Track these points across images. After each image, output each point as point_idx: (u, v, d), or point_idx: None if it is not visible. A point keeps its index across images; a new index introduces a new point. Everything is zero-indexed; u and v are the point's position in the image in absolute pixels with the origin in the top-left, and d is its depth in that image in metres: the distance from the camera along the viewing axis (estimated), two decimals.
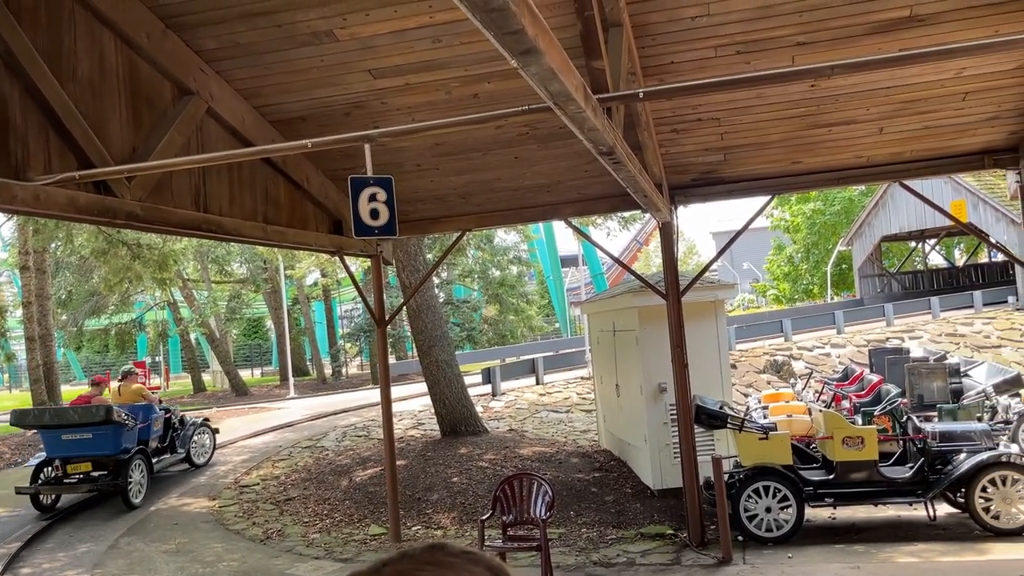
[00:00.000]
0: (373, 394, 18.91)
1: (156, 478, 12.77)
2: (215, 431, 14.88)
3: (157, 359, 37.17)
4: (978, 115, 7.62)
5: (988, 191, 25.01)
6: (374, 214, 4.54)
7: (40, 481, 11.58)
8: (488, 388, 18.37)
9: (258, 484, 12.58)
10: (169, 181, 6.23)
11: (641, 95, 4.71)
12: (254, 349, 45.08)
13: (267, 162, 7.56)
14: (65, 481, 11.63)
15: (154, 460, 12.60)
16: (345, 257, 9.80)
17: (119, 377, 13.66)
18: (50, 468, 11.69)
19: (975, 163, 8.32)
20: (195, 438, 14.01)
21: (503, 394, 18.09)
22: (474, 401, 14.99)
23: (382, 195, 4.57)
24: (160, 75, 6.05)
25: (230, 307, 32.75)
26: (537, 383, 19.20)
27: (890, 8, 6.05)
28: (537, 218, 10.15)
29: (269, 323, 38.66)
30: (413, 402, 18.31)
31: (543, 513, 7.75)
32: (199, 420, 14.58)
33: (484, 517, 7.97)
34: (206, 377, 33.46)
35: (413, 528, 10.09)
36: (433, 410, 14.26)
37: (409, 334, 20.08)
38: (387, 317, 9.47)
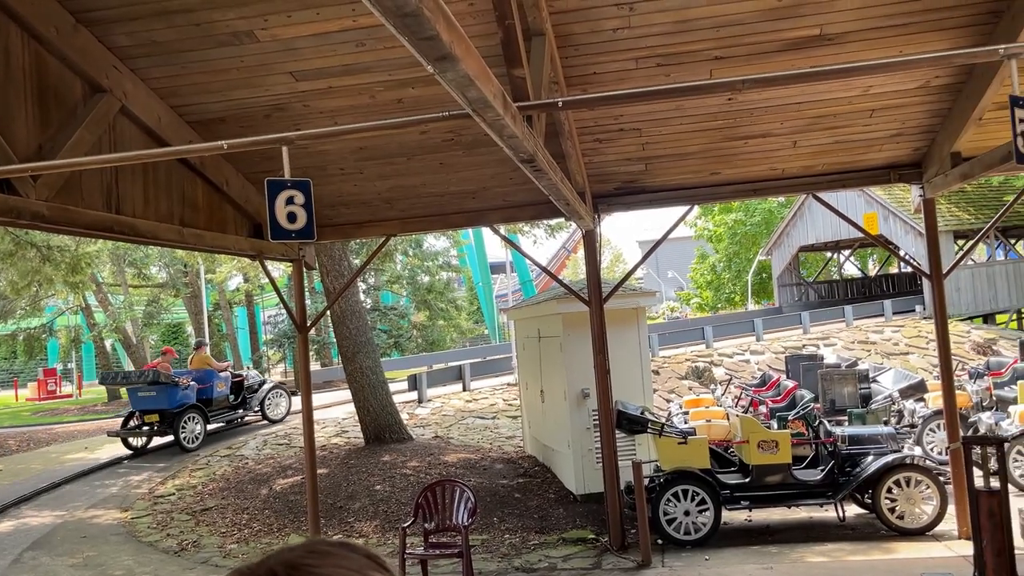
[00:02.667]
0: (296, 401, 18.57)
1: (228, 432, 16.32)
2: (292, 393, 17.58)
3: (69, 366, 35.72)
4: (884, 131, 7.96)
5: (898, 204, 26.08)
6: (291, 217, 4.48)
7: (125, 428, 15.39)
8: (414, 395, 18.26)
9: (173, 494, 12.21)
10: (79, 181, 6.02)
11: (560, 104, 4.77)
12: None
13: (184, 163, 7.37)
14: (143, 428, 15.19)
15: (225, 414, 16.27)
16: (267, 261, 9.61)
17: (193, 347, 17.57)
18: (132, 418, 15.38)
19: (882, 177, 8.68)
20: (269, 398, 17.17)
21: (429, 401, 18.01)
22: (399, 408, 14.88)
23: (300, 198, 4.51)
24: (70, 71, 5.84)
25: (148, 312, 31.70)
26: (464, 389, 19.17)
27: (802, 27, 6.29)
28: (463, 224, 10.15)
29: (190, 329, 37.58)
30: (338, 409, 18.05)
31: (465, 520, 7.75)
32: (275, 383, 18.11)
33: (405, 524, 7.92)
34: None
35: (334, 537, 9.94)
36: (357, 417, 14.10)
37: (335, 340, 19.81)
38: (309, 323, 9.33)
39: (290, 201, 4.51)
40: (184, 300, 31.22)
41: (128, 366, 34.55)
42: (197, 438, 15.18)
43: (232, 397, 16.72)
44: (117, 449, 15.49)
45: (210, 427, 15.80)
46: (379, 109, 6.98)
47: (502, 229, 23.16)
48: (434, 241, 30.68)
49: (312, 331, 28.46)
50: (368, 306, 27.04)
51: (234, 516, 10.94)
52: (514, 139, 4.30)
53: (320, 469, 11.67)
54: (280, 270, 22.59)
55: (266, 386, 17.41)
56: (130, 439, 15.39)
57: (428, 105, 6.67)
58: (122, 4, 5.74)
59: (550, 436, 11.55)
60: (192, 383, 15.71)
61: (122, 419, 15.87)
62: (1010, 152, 4.37)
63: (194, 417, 15.27)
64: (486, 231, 37.32)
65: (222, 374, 16.68)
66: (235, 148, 4.88)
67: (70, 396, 32.66)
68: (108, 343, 31.18)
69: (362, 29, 5.99)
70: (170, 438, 15.15)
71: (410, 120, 5.28)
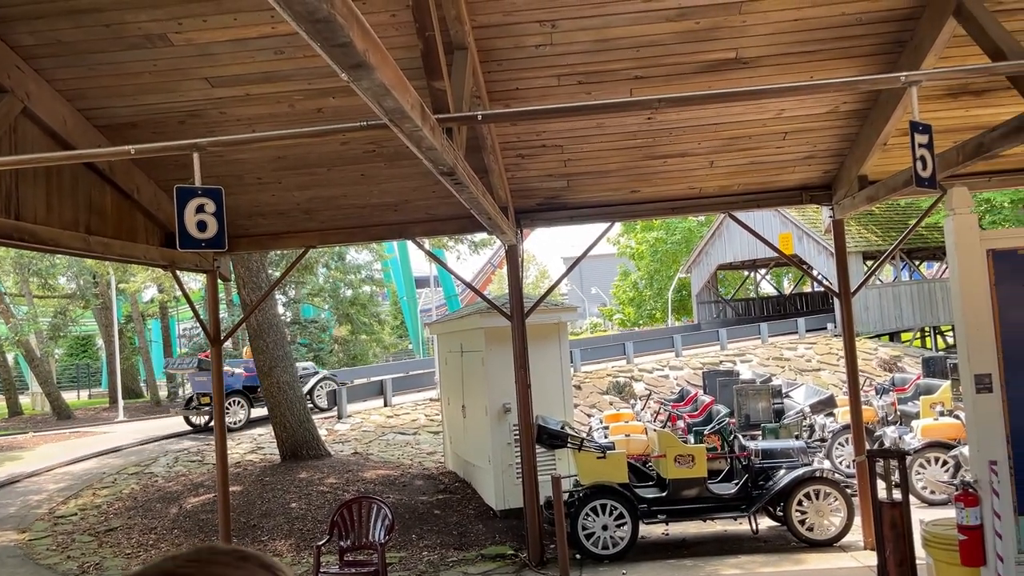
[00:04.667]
0: (343, 393, 18.25)
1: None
2: (342, 384, 19.41)
3: None
4: (796, 154, 8.23)
5: (811, 225, 27.02)
6: (201, 226, 4.34)
7: (188, 407, 18.09)
8: (334, 411, 17.93)
9: (76, 514, 11.66)
10: None
11: (480, 117, 4.76)
12: (82, 369, 41.93)
13: (92, 169, 7.09)
14: (202, 407, 17.57)
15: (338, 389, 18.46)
16: (182, 272, 9.31)
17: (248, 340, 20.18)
18: (194, 400, 18.02)
19: (794, 198, 8.96)
20: (317, 389, 19.24)
21: (349, 416, 17.71)
22: (318, 424, 14.59)
23: (211, 206, 4.37)
24: None
25: (54, 324, 30.33)
26: (385, 405, 18.92)
27: (718, 50, 6.45)
28: (385, 237, 10.05)
29: (100, 342, 36.11)
30: (254, 425, 17.59)
31: (382, 537, 7.61)
32: (324, 375, 20.28)
33: (321, 543, 7.73)
34: (24, 399, 30.77)
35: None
36: (273, 433, 13.76)
37: None
38: (223, 335, 9.06)
39: (200, 209, 4.37)
40: (94, 312, 30.03)
41: (31, 381, 32.94)
42: (239, 421, 17.43)
43: None
44: (13, 467, 14.74)
45: (255, 412, 17.94)
46: (298, 118, 6.86)
47: (426, 243, 23.07)
48: (357, 254, 30.33)
49: (229, 345, 27.63)
50: (288, 319, 26.50)
51: (140, 536, 10.50)
52: (433, 151, 4.27)
53: (233, 486, 11.33)
54: (200, 281, 21.94)
55: (315, 378, 19.78)
56: (192, 417, 17.97)
57: (349, 115, 6.58)
58: (25, 2, 5.50)
59: (471, 451, 11.49)
60: (237, 371, 18.24)
61: (184, 401, 19.03)
62: (911, 176, 4.56)
63: (238, 401, 17.71)
64: (411, 245, 37.09)
65: None
66: (143, 154, 4.71)
67: None
68: (10, 356, 29.70)
69: (281, 36, 5.88)
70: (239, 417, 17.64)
71: (327, 129, 5.20)
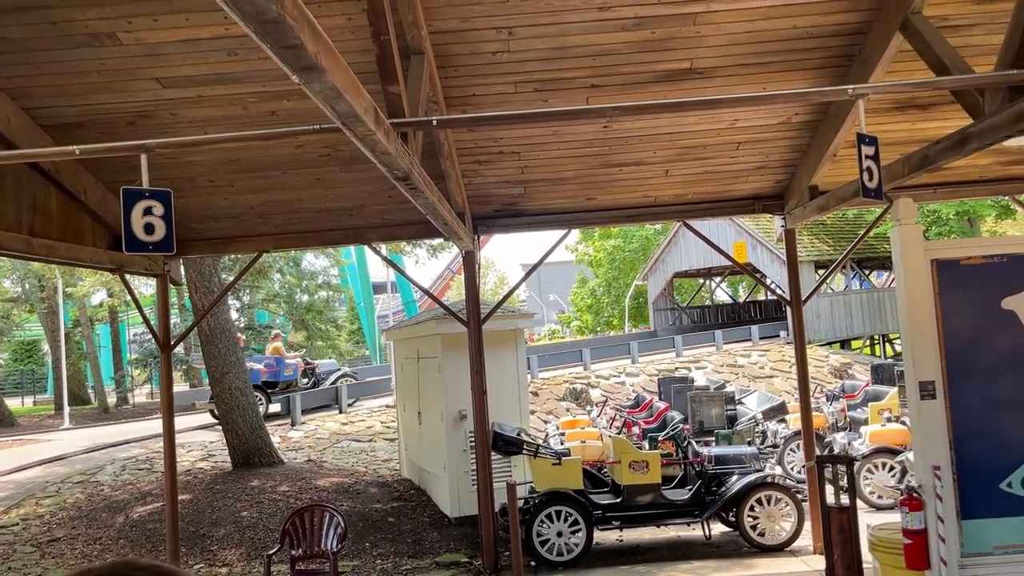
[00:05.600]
0: (161, 424, 17.74)
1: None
2: (358, 380, 21.26)
3: None
4: (750, 163, 8.35)
5: (765, 235, 27.46)
6: (149, 228, 4.24)
7: (211, 400, 17.15)
8: (287, 418, 17.71)
9: (17, 524, 11.32)
10: None
11: (435, 122, 4.75)
12: (26, 375, 40.80)
13: (37, 170, 6.91)
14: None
15: (292, 395, 18.59)
16: (132, 276, 9.12)
17: (270, 338, 21.38)
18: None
19: (747, 207, 9.09)
20: (338, 386, 19.84)
21: (303, 423, 17.49)
22: (271, 431, 14.39)
23: (159, 209, 4.28)
24: None
25: None
26: (340, 412, 18.74)
27: (673, 60, 6.53)
28: (340, 241, 9.95)
29: (46, 347, 35.17)
30: (206, 432, 17.28)
31: (334, 545, 7.52)
32: (343, 372, 21.52)
33: (271, 552, 7.62)
34: None
35: (195, 566, 9.45)
36: (225, 440, 13.52)
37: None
38: (173, 341, 8.89)
39: (148, 212, 4.28)
40: (40, 316, 29.28)
41: None
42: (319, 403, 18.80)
43: (304, 382, 20.20)
44: None
45: (273, 407, 18.69)
46: (252, 121, 6.77)
47: (383, 248, 22.95)
48: (314, 260, 30.04)
49: (181, 351, 27.15)
50: (242, 325, 26.11)
51: (85, 547, 10.23)
52: (388, 156, 4.24)
53: (183, 495, 11.11)
54: (151, 286, 21.53)
55: (335, 375, 20.82)
56: (216, 410, 17.73)
57: (304, 118, 6.51)
58: None
59: (427, 458, 11.42)
60: (257, 367, 19.10)
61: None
62: (859, 187, 4.65)
63: (257, 398, 17.87)
64: (368, 250, 36.76)
65: (290, 362, 20.12)
66: (89, 154, 4.60)
67: None
68: None
69: (235, 38, 5.80)
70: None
71: (281, 132, 5.14)
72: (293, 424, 17.30)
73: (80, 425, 23.66)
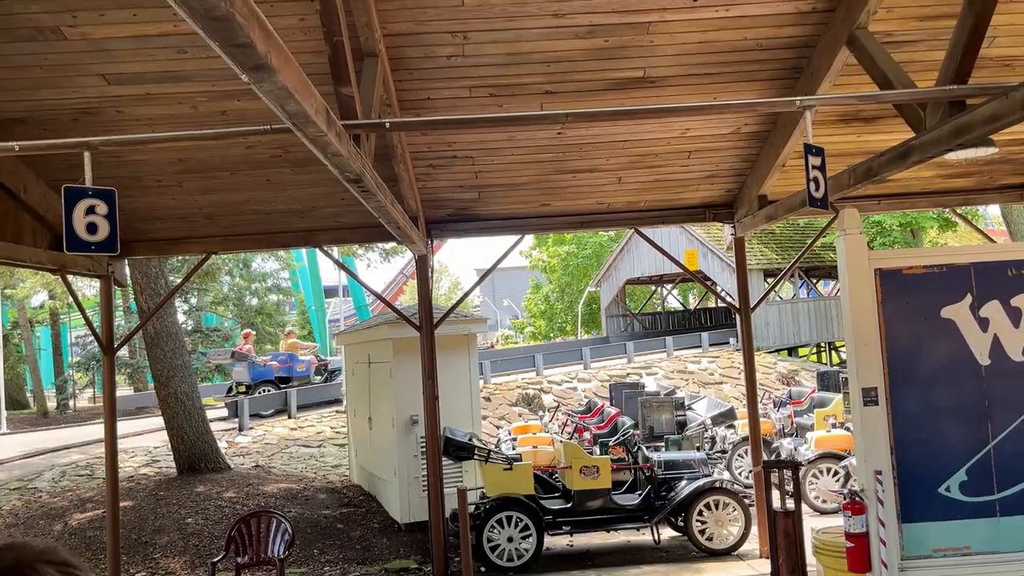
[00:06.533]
0: (103, 429, 17.25)
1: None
2: None
3: None
4: (700, 172, 8.46)
5: (715, 243, 27.86)
6: (92, 228, 4.14)
7: (229, 394, 19.67)
8: (235, 422, 17.40)
9: None
10: None
11: (388, 125, 4.72)
12: None
13: None
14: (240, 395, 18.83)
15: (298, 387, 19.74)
16: (75, 277, 8.88)
17: (284, 334, 22.99)
18: (232, 389, 19.78)
19: (698, 215, 9.21)
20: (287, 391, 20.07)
21: (251, 428, 17.20)
22: (218, 436, 14.12)
23: (103, 208, 4.18)
24: None
25: None
26: (289, 417, 18.48)
27: (627, 68, 6.59)
28: (291, 244, 9.84)
29: None
30: (151, 437, 16.86)
31: (281, 552, 7.41)
32: None
33: (216, 559, 7.47)
34: None
35: (138, 575, 9.22)
36: (170, 446, 13.24)
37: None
38: (117, 344, 8.68)
39: (91, 211, 4.17)
40: None
41: None
42: (270, 409, 18.65)
43: (317, 379, 20.81)
44: None
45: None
46: (201, 120, 6.65)
47: (335, 251, 22.74)
48: (264, 262, 29.62)
49: (126, 354, 26.49)
50: (189, 328, 25.63)
51: None
52: (339, 157, 4.20)
53: (125, 501, 10.84)
54: (95, 287, 20.99)
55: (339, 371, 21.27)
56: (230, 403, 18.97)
57: (254, 119, 6.40)
58: None
59: (377, 464, 11.32)
60: (272, 362, 20.18)
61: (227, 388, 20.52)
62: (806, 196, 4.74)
63: (268, 390, 19.35)
64: (320, 253, 36.28)
65: (303, 358, 20.79)
66: (30, 151, 4.48)
67: None
68: None
69: (184, 35, 5.69)
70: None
71: (231, 132, 5.06)
72: (241, 429, 17.01)
73: (18, 430, 22.93)
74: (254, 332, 23.38)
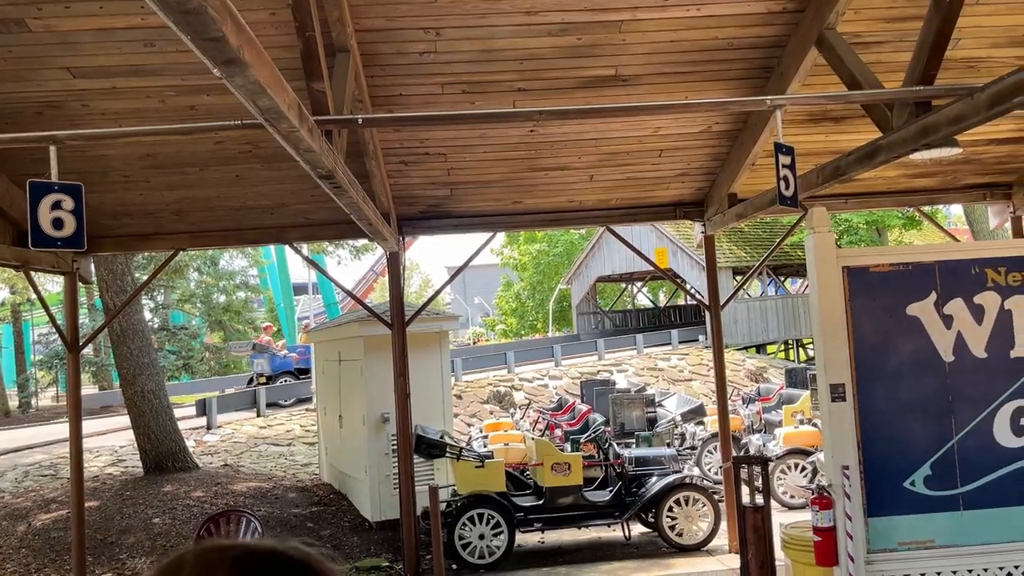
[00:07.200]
0: (67, 428, 16.92)
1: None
2: None
3: None
4: (671, 170, 8.52)
5: (685, 240, 28.07)
6: (57, 224, 4.07)
7: (250, 385, 20.25)
8: (203, 421, 17.19)
9: None
10: None
11: (360, 121, 4.69)
12: None
13: None
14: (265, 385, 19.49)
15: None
16: (37, 273, 8.72)
17: (303, 327, 24.62)
18: (253, 381, 20.53)
19: (669, 213, 9.27)
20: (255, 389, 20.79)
21: (220, 427, 17.01)
22: (186, 435, 13.95)
23: (69, 203, 4.11)
24: None
25: None
26: (258, 415, 18.31)
27: (598, 67, 6.61)
28: (260, 241, 9.74)
29: None
30: (117, 436, 16.61)
31: None
32: None
33: None
34: None
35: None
36: (136, 445, 13.06)
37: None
38: (82, 341, 8.54)
39: (57, 206, 4.10)
40: None
41: None
42: (290, 398, 19.22)
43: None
44: None
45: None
46: (169, 115, 6.56)
47: (305, 248, 22.59)
48: (232, 259, 29.31)
49: (91, 352, 26.09)
50: (155, 326, 25.29)
51: None
52: (311, 153, 4.17)
53: (90, 502, 10.68)
54: (59, 284, 20.66)
55: None
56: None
57: (223, 114, 6.34)
58: None
59: (347, 462, 11.26)
60: (291, 354, 21.12)
61: (247, 379, 21.31)
62: (776, 195, 4.80)
63: (287, 381, 20.17)
64: (290, 250, 35.90)
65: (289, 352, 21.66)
66: None
67: None
68: None
69: (152, 29, 5.61)
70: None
71: (200, 127, 5.00)
72: (209, 428, 16.82)
73: None
74: (274, 326, 24.52)
